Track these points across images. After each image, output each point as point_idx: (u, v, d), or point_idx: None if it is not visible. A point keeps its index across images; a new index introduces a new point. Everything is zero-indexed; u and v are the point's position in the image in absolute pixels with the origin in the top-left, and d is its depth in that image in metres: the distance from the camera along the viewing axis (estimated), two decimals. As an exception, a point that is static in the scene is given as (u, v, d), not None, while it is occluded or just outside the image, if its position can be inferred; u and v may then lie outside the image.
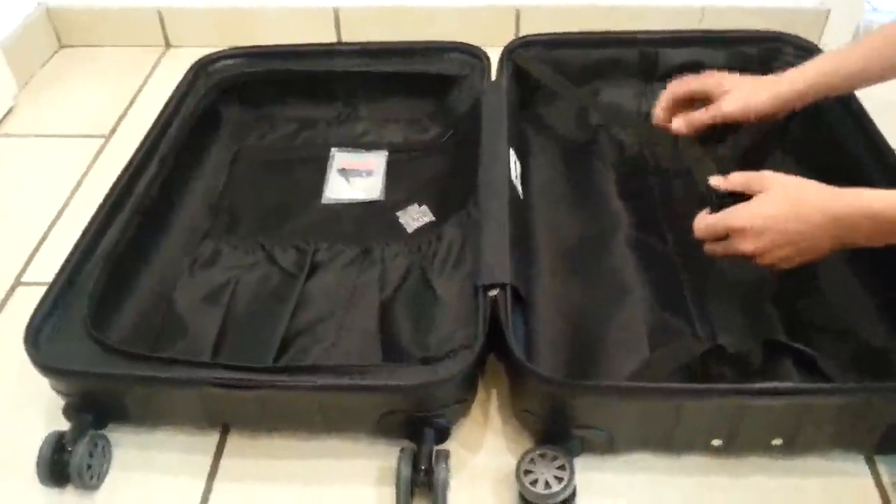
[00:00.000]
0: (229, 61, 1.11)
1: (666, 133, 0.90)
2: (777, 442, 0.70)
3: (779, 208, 0.70)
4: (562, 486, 0.67)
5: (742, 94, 0.84)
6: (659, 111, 0.91)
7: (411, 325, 0.80)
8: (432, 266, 0.86)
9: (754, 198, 0.71)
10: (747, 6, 1.28)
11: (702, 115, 0.86)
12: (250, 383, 0.68)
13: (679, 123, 0.88)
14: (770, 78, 0.85)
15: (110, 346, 0.72)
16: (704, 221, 0.75)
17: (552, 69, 1.05)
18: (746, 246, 0.72)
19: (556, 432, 0.71)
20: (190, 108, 1.04)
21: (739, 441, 0.70)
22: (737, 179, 0.74)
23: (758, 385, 0.65)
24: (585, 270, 0.87)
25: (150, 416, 0.75)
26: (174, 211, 0.95)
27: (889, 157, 0.86)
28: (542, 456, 0.69)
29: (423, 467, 0.68)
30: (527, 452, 0.69)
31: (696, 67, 1.05)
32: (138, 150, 0.94)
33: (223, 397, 0.70)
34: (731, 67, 1.03)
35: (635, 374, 0.72)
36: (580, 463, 0.71)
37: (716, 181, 0.75)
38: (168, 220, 0.94)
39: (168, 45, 1.39)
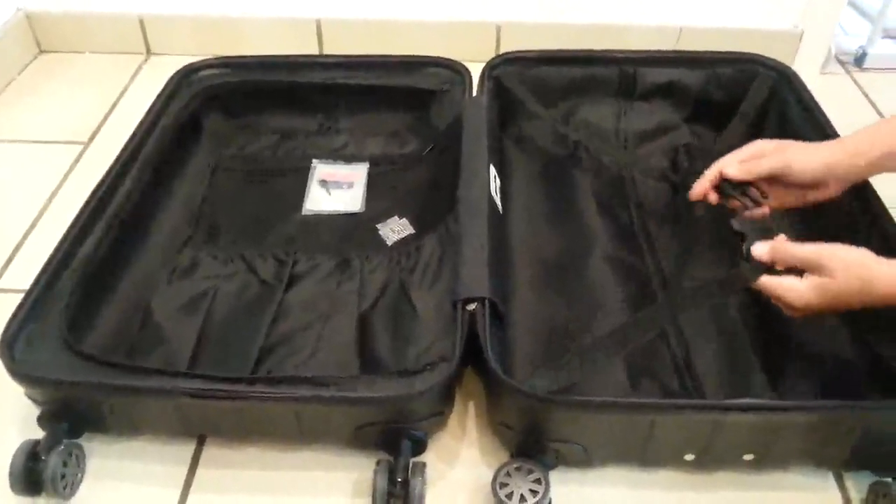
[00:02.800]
0: (212, 70, 1.11)
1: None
2: (749, 457, 0.71)
3: (840, 293, 0.66)
4: (537, 499, 0.67)
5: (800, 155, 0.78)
6: (704, 188, 0.82)
7: (389, 338, 0.81)
8: (411, 279, 0.87)
9: (815, 280, 0.67)
10: (723, 28, 1.31)
11: (765, 163, 0.78)
12: (226, 394, 0.67)
13: (733, 170, 0.79)
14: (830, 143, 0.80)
15: (86, 354, 0.72)
16: (759, 285, 0.71)
17: (528, 89, 1.07)
18: (794, 314, 0.70)
19: (531, 446, 0.71)
20: (172, 117, 1.03)
21: (711, 456, 0.71)
22: (792, 259, 0.69)
23: (729, 401, 0.66)
24: (562, 286, 0.88)
25: (125, 426, 0.75)
26: (154, 219, 0.95)
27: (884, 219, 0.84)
28: (518, 469, 0.70)
29: (399, 480, 0.68)
30: (503, 465, 0.70)
31: (673, 87, 1.08)
32: (119, 157, 0.94)
33: (199, 407, 0.70)
34: (707, 88, 1.07)
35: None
36: (556, 476, 0.72)
37: (760, 252, 0.71)
38: (147, 228, 0.93)
39: (149, 52, 1.38)
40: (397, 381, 0.70)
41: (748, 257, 0.72)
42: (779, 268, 0.71)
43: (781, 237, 0.72)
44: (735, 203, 0.80)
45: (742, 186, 0.79)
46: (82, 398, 0.71)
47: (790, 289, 0.69)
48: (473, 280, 0.76)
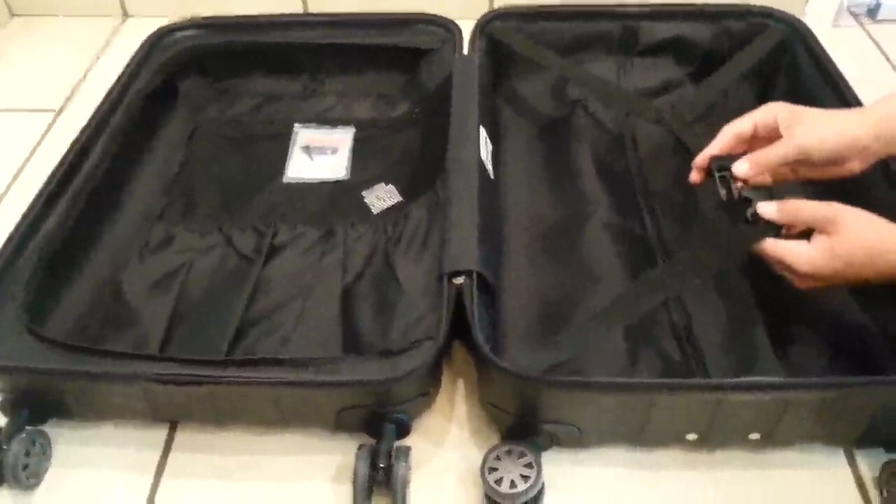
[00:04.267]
0: (187, 32, 1.05)
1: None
2: (755, 436, 0.67)
3: (851, 257, 0.61)
4: (528, 484, 0.63)
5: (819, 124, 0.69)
6: (706, 159, 0.73)
7: (373, 313, 0.76)
8: (396, 250, 0.81)
9: (825, 240, 0.62)
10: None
11: (776, 152, 0.69)
12: (197, 379, 0.63)
13: (743, 169, 0.70)
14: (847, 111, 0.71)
15: (48, 338, 0.67)
16: (762, 249, 0.66)
17: (531, 39, 1.00)
18: (801, 284, 0.65)
19: (523, 427, 0.67)
20: (144, 82, 0.98)
21: (715, 436, 0.67)
22: (802, 215, 0.64)
23: (733, 380, 0.62)
24: (559, 255, 0.83)
25: (92, 412, 0.71)
26: (125, 191, 0.90)
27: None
28: (509, 453, 0.65)
29: (381, 465, 0.64)
30: (492, 449, 0.66)
31: (678, 42, 1.02)
32: (86, 126, 0.88)
33: (168, 393, 0.66)
34: (715, 43, 1.00)
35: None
36: (549, 457, 0.68)
37: (769, 211, 0.66)
38: (118, 200, 0.88)
39: (126, 14, 1.31)
40: (380, 363, 0.66)
41: (754, 220, 0.67)
42: (787, 231, 0.66)
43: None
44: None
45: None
46: (44, 385, 0.67)
47: (795, 251, 0.64)
48: (461, 252, 0.71)
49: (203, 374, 0.64)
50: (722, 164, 0.72)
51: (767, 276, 0.71)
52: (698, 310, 0.78)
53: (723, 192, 0.70)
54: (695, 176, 0.75)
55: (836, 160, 0.69)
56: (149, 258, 0.84)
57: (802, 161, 0.70)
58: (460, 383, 0.76)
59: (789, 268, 0.65)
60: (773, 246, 0.65)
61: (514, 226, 0.86)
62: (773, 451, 0.70)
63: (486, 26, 1.01)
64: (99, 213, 0.85)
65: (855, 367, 0.71)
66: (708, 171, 0.73)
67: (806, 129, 0.68)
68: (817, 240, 0.63)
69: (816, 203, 0.64)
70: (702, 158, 0.74)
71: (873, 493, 0.68)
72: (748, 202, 0.68)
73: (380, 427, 0.66)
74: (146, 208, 0.90)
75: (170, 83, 1.02)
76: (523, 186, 0.91)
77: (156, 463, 0.70)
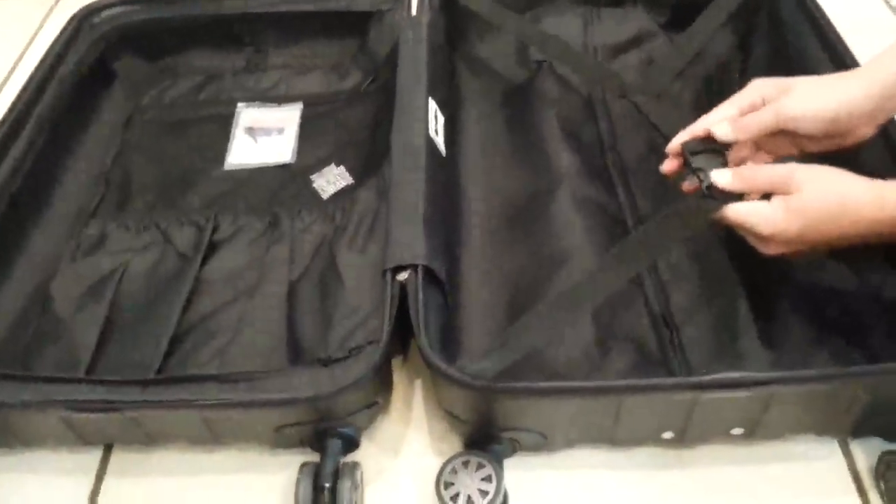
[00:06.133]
0: (118, 9, 0.96)
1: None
2: (737, 431, 0.61)
3: (813, 213, 0.56)
4: (486, 499, 0.57)
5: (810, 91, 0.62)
6: (677, 146, 0.65)
7: (317, 316, 0.69)
8: (341, 241, 0.74)
9: (784, 199, 0.57)
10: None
11: (762, 118, 0.62)
12: (113, 406, 0.57)
13: (724, 130, 0.63)
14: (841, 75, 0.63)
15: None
16: (722, 217, 0.60)
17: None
18: (768, 250, 0.60)
19: (483, 435, 0.61)
20: (73, 65, 0.90)
21: (693, 433, 0.61)
22: (759, 180, 0.59)
23: (709, 377, 0.55)
24: (523, 237, 0.76)
25: (15, 441, 0.65)
26: (54, 187, 0.83)
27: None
28: (465, 465, 0.59)
29: (325, 486, 0.58)
30: (448, 461, 0.60)
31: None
32: (6, 117, 0.81)
33: (91, 419, 0.60)
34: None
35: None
36: (515, 461, 0.62)
37: (723, 179, 0.59)
38: (46, 198, 0.81)
39: (60, -8, 1.23)
40: (318, 374, 0.60)
41: (711, 193, 0.60)
42: (742, 190, 0.59)
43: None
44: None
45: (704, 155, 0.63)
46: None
47: (755, 212, 0.58)
48: (405, 243, 0.64)
49: (121, 399, 0.58)
50: (693, 147, 0.63)
51: (749, 250, 0.64)
52: (676, 289, 0.71)
53: (695, 181, 0.61)
54: (667, 165, 0.66)
55: (840, 130, 0.62)
56: (81, 261, 0.78)
57: (793, 132, 0.62)
58: (418, 384, 0.70)
59: (751, 232, 0.59)
60: (733, 211, 0.59)
61: (475, 205, 0.79)
62: (759, 445, 0.63)
63: (438, -19, 0.92)
64: (24, 214, 0.78)
65: (846, 342, 0.65)
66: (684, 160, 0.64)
67: (794, 98, 0.61)
68: (776, 200, 0.57)
69: (772, 165, 0.59)
70: (674, 145, 0.65)
71: (869, 484, 0.62)
72: (702, 173, 0.61)
73: (323, 442, 0.60)
74: (78, 205, 0.83)
75: (102, 64, 0.95)
76: (485, 160, 0.84)
77: (90, 488, 0.65)
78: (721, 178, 0.60)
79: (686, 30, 0.86)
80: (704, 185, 0.60)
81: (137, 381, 0.60)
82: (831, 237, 0.57)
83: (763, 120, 0.62)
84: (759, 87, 0.64)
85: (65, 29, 0.93)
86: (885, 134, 0.66)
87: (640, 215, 0.77)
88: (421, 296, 0.61)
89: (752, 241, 0.61)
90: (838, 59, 0.75)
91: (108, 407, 0.57)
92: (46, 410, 0.59)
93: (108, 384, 0.59)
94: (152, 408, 0.58)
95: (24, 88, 0.85)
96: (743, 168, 0.60)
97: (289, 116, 0.92)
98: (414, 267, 0.63)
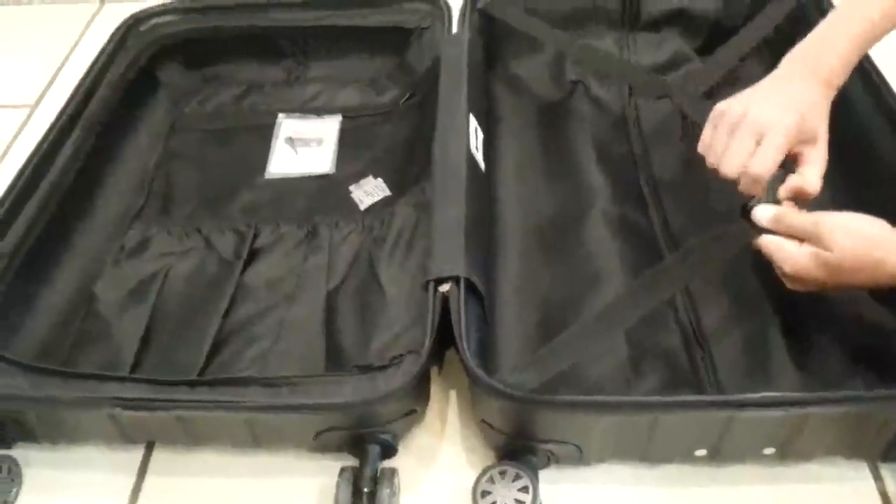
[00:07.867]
0: (166, 17, 0.99)
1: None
2: (769, 451, 0.62)
3: (839, 268, 0.58)
4: (523, 510, 0.59)
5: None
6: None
7: (356, 324, 0.71)
8: (381, 253, 0.76)
9: (814, 250, 0.59)
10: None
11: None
12: (163, 405, 0.59)
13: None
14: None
15: (13, 360, 0.63)
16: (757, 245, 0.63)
17: (526, 12, 0.93)
18: (789, 285, 0.63)
19: (519, 446, 0.62)
20: (120, 72, 0.92)
21: (725, 452, 0.62)
22: (794, 227, 0.61)
23: (744, 396, 0.56)
24: (557, 253, 0.77)
25: (60, 436, 0.67)
26: (99, 191, 0.85)
27: None
28: (503, 474, 0.61)
29: (365, 490, 0.59)
30: (485, 470, 0.61)
31: (685, 13, 0.94)
32: (56, 121, 0.84)
33: (138, 417, 0.62)
34: (724, 13, 0.93)
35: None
36: (549, 475, 0.63)
37: (764, 218, 0.62)
38: (91, 202, 0.84)
39: (103, 0, 1.26)
40: (359, 381, 0.61)
41: (748, 216, 0.63)
42: (779, 230, 0.62)
43: (789, 204, 0.63)
44: None
45: None
46: (7, 411, 0.63)
47: (786, 250, 0.61)
48: (447, 256, 0.66)
49: (170, 398, 0.59)
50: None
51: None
52: (708, 308, 0.72)
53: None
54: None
55: None
56: (124, 263, 0.80)
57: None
58: (453, 395, 0.71)
59: (776, 265, 0.62)
60: (765, 241, 0.62)
61: (511, 221, 0.81)
62: (790, 466, 0.64)
63: (477, 1, 0.94)
64: (71, 217, 0.81)
65: (877, 368, 0.65)
66: None
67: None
68: (805, 246, 0.60)
69: (806, 216, 0.61)
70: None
71: (899, 508, 0.63)
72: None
73: (363, 448, 0.62)
74: (121, 209, 0.85)
75: (148, 72, 0.97)
76: (520, 178, 0.85)
77: (131, 486, 0.67)
78: (761, 214, 0.62)
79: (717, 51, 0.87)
80: (750, 204, 0.63)
81: (185, 381, 0.62)
82: (857, 284, 0.60)
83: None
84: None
85: (113, 36, 0.96)
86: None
87: (672, 233, 0.78)
88: (462, 307, 0.62)
89: (778, 272, 0.63)
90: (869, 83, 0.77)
91: (157, 405, 0.59)
92: (96, 407, 0.61)
93: (157, 384, 0.61)
94: (200, 408, 0.59)
95: (73, 94, 0.87)
96: (782, 212, 0.62)
97: (328, 128, 0.94)
98: (456, 279, 0.64)
